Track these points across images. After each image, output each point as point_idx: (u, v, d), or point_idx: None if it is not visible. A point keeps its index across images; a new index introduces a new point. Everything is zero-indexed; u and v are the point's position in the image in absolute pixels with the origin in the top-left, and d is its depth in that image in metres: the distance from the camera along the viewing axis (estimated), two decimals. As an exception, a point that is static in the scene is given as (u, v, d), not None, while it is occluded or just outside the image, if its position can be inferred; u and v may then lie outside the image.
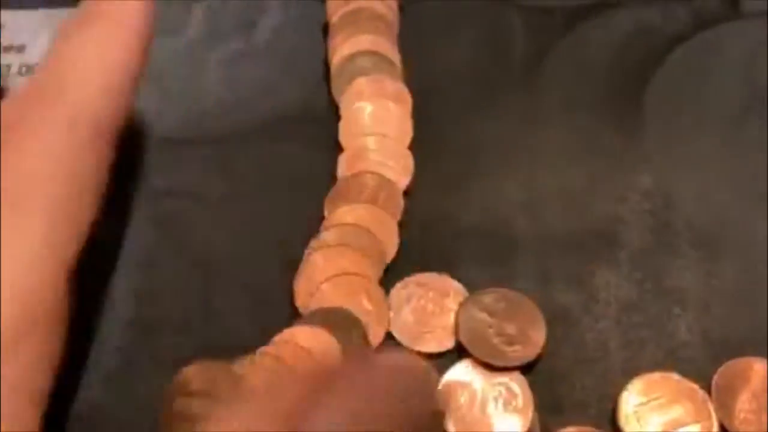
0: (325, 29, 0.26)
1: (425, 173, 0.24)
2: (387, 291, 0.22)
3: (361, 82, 0.25)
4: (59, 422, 0.20)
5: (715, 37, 0.26)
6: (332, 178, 0.24)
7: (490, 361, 0.21)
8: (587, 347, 0.22)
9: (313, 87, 0.26)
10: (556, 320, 0.22)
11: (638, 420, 0.20)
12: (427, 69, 0.26)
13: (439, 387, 0.21)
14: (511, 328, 0.21)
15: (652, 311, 0.22)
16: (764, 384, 0.21)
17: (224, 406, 0.16)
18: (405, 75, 0.26)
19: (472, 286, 0.22)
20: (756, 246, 0.23)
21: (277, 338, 0.21)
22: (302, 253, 0.22)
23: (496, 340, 0.21)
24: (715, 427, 0.20)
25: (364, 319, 0.21)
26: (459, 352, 0.21)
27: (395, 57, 0.26)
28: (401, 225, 0.23)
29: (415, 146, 0.24)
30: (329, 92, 0.25)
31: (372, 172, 0.24)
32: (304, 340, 0.20)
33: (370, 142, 0.24)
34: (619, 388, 0.21)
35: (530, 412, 0.20)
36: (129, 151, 0.23)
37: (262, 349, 0.20)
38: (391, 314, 0.22)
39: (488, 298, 0.22)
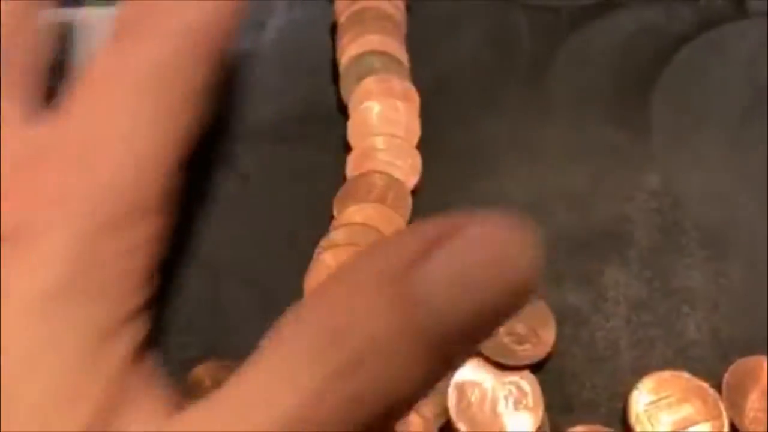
0: (333, 29, 0.26)
1: (431, 172, 0.24)
2: (397, 290, 0.22)
3: (369, 82, 0.25)
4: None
5: (721, 36, 0.26)
6: (341, 177, 0.24)
7: (500, 360, 0.21)
8: (597, 346, 0.22)
9: (321, 87, 0.26)
10: (566, 319, 0.22)
11: (648, 419, 0.20)
12: (432, 68, 0.26)
13: (449, 387, 0.21)
14: (521, 327, 0.21)
15: (661, 310, 0.22)
16: (774, 382, 0.21)
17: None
18: (411, 74, 0.26)
19: (481, 285, 0.22)
20: (764, 244, 0.23)
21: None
22: (311, 252, 0.22)
23: (506, 339, 0.21)
24: (726, 426, 0.20)
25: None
26: (469, 351, 0.21)
27: (403, 57, 0.25)
28: (409, 224, 0.23)
29: (421, 145, 0.24)
30: (337, 92, 0.25)
31: (381, 172, 0.24)
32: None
33: (379, 141, 0.24)
34: (629, 386, 0.21)
35: (540, 411, 0.20)
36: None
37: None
38: (401, 313, 0.22)
39: (498, 297, 0.22)
